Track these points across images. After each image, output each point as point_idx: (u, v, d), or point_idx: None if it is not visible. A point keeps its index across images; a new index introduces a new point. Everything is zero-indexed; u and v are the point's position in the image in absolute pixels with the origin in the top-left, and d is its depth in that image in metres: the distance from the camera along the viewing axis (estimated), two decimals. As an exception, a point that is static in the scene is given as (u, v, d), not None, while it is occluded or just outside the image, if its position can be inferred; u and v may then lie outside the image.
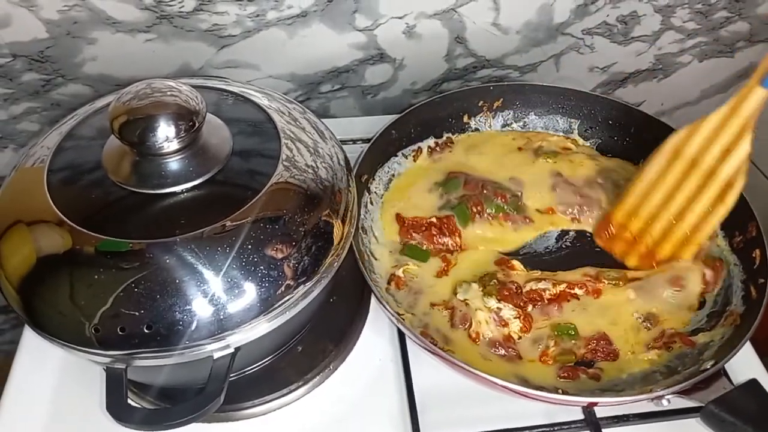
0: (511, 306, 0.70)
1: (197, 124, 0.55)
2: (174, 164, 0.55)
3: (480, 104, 0.90)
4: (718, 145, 0.69)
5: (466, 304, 0.71)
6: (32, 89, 0.89)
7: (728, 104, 0.68)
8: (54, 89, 0.89)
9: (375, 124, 0.85)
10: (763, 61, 0.65)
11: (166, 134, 0.53)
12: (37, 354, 0.69)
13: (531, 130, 0.92)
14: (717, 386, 0.60)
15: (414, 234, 0.77)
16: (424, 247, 0.76)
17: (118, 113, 0.54)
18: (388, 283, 0.74)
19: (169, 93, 0.55)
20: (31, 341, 0.70)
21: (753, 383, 0.61)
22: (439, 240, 0.76)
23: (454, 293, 0.72)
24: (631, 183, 0.75)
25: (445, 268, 0.75)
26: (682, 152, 0.71)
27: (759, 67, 0.65)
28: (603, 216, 0.79)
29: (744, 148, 0.67)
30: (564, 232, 0.80)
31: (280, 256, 0.54)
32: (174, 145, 0.54)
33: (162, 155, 0.55)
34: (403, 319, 0.67)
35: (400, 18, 0.90)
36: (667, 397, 0.60)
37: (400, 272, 0.74)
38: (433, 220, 0.78)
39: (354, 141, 0.89)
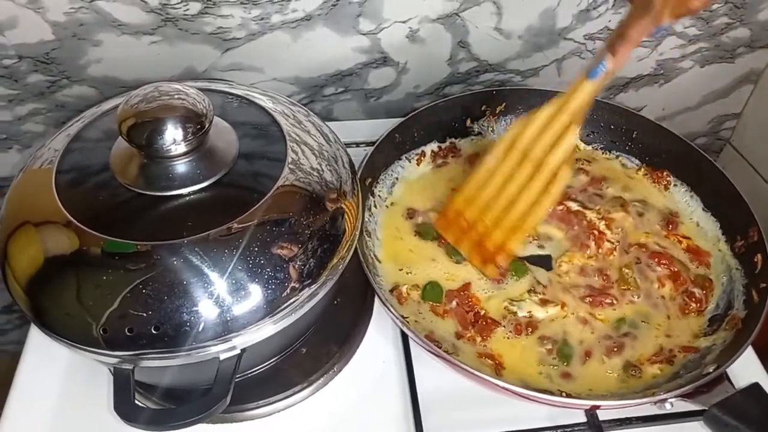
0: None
1: (204, 127, 0.55)
2: (181, 167, 0.56)
3: (483, 108, 0.90)
4: (547, 137, 0.70)
5: (531, 315, 0.72)
6: (37, 90, 0.89)
7: (559, 97, 0.70)
8: (59, 90, 0.90)
9: (378, 127, 0.85)
10: (594, 57, 0.67)
11: (173, 137, 0.54)
12: (43, 354, 0.69)
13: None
14: (719, 390, 0.61)
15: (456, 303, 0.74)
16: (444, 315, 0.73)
17: (127, 116, 0.54)
18: (391, 292, 0.73)
19: (176, 96, 0.56)
20: (37, 341, 0.70)
21: (755, 387, 0.61)
22: (467, 328, 0.72)
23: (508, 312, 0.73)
24: (472, 171, 0.76)
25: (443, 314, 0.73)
26: (516, 143, 0.72)
27: (590, 62, 0.67)
28: (445, 203, 0.80)
29: (569, 140, 0.69)
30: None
31: (285, 258, 0.54)
32: (181, 148, 0.55)
33: (169, 158, 0.55)
34: (407, 322, 0.67)
35: (403, 22, 0.90)
36: (670, 400, 0.60)
37: (404, 289, 0.74)
38: (482, 312, 0.72)
39: (357, 144, 0.89)
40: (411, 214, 0.81)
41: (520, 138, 0.72)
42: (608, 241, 0.78)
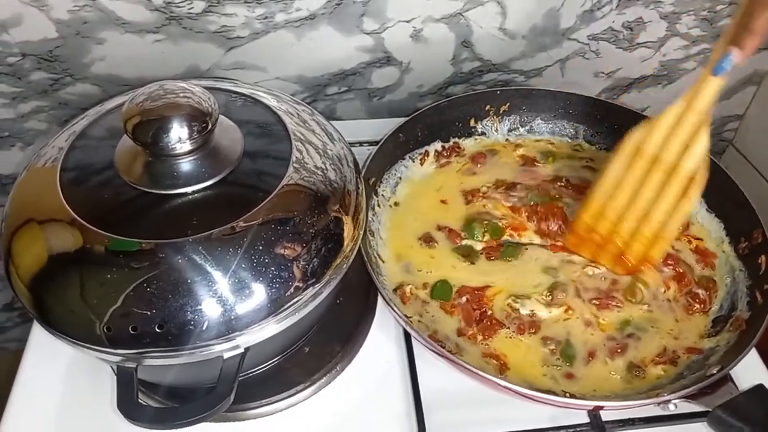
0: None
1: (210, 126, 0.55)
2: (186, 165, 0.56)
3: (487, 108, 0.90)
4: (677, 140, 0.68)
5: (533, 314, 0.72)
6: (41, 88, 0.89)
7: (683, 98, 0.67)
8: (62, 88, 0.90)
9: (381, 127, 0.85)
10: (713, 51, 0.64)
11: (179, 135, 0.54)
12: (45, 352, 0.69)
13: (537, 135, 0.92)
14: (723, 391, 0.61)
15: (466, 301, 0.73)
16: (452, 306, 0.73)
17: (132, 114, 0.54)
18: (394, 291, 0.73)
19: (182, 94, 0.55)
20: (39, 339, 0.70)
21: (760, 389, 0.61)
22: (471, 325, 0.71)
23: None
24: (595, 184, 0.74)
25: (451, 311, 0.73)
26: (642, 150, 0.70)
27: (710, 57, 0.64)
28: (574, 220, 0.77)
29: (703, 141, 0.67)
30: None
31: (290, 257, 0.54)
32: (186, 146, 0.55)
33: (174, 156, 0.55)
34: (411, 321, 0.67)
35: (407, 22, 0.90)
36: (673, 401, 0.60)
37: (408, 289, 0.74)
38: (489, 312, 0.72)
39: (361, 143, 0.89)
40: (427, 238, 0.79)
41: (646, 143, 0.69)
42: None
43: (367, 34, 0.91)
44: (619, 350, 0.69)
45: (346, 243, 0.59)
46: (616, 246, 0.74)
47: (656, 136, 0.69)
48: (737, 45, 0.60)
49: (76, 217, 0.53)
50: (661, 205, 0.70)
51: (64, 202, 0.54)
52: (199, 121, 0.54)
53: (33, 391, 0.67)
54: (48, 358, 0.69)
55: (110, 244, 0.52)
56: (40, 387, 0.67)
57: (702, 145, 0.67)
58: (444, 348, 0.64)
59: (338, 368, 0.69)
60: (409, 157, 0.86)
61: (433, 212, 0.82)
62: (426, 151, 0.87)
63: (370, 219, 0.77)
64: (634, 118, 0.87)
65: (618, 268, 0.75)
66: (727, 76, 0.64)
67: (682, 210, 0.69)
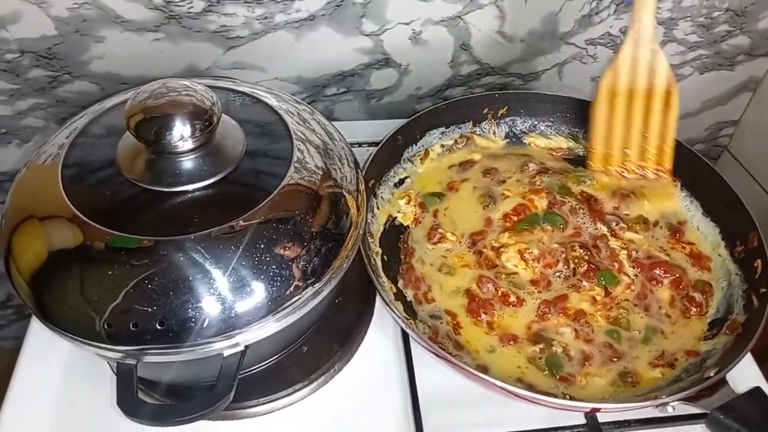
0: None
1: (212, 124, 0.55)
2: (188, 163, 0.56)
3: (485, 111, 0.90)
4: (640, 69, 0.79)
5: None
6: (38, 85, 0.89)
7: (629, 38, 0.77)
8: (60, 86, 0.89)
9: (379, 128, 0.86)
10: None
11: (181, 133, 0.54)
12: (43, 349, 0.69)
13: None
14: (721, 393, 0.61)
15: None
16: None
17: (135, 111, 0.54)
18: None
19: (184, 92, 0.55)
20: (37, 336, 0.70)
21: (757, 391, 0.61)
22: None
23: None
24: (589, 135, 0.84)
25: None
26: (616, 89, 0.80)
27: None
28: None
29: (662, 60, 0.78)
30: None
31: (290, 256, 0.54)
32: (189, 144, 0.55)
33: (177, 154, 0.55)
34: (410, 324, 0.67)
35: (406, 24, 0.90)
36: (672, 404, 0.60)
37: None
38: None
39: (359, 144, 0.89)
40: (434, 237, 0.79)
41: (617, 84, 0.80)
42: (625, 273, 0.76)
43: (367, 35, 0.91)
44: (615, 359, 0.69)
45: (346, 243, 0.59)
46: (633, 172, 0.84)
47: (623, 73, 0.79)
48: None
49: (78, 213, 0.53)
50: (653, 123, 0.81)
51: (66, 199, 0.54)
52: (202, 119, 0.54)
53: (30, 389, 0.67)
54: (46, 355, 0.68)
55: (111, 241, 0.52)
56: (38, 384, 0.67)
57: (663, 64, 0.78)
58: (443, 349, 0.64)
59: (336, 368, 0.69)
60: (409, 159, 0.86)
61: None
62: (426, 150, 0.87)
63: (369, 221, 0.77)
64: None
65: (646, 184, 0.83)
66: None
67: (671, 117, 0.80)
